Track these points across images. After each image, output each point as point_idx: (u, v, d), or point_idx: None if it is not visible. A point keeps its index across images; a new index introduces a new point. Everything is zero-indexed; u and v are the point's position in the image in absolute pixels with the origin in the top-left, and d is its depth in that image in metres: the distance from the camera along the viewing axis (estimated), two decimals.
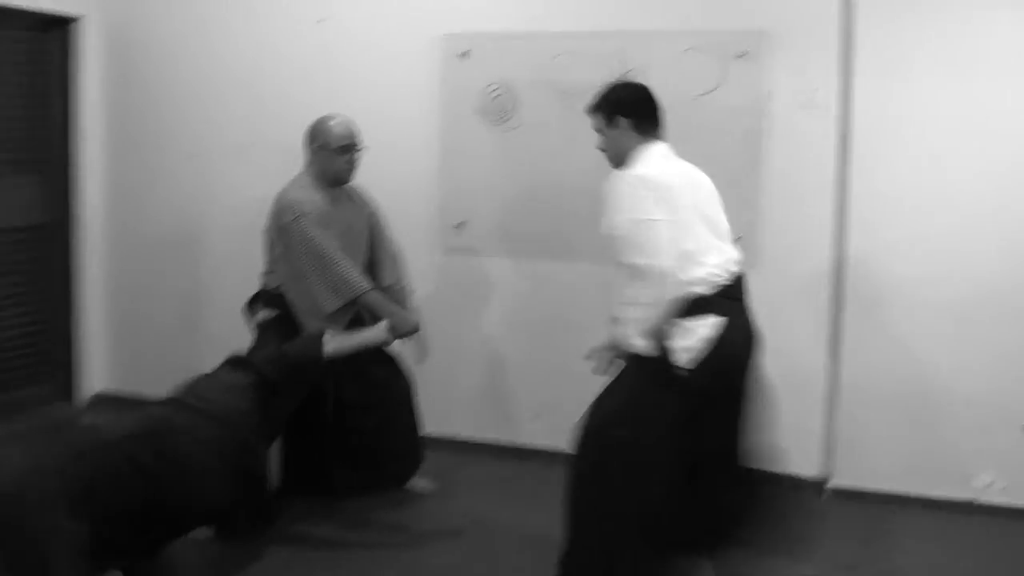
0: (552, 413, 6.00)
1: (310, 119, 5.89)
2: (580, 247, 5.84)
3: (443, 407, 6.11)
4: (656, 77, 5.45)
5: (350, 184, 5.12)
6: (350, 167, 5.05)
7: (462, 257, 6.10)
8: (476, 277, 6.08)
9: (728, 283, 4.02)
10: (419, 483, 5.46)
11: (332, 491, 5.16)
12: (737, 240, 5.38)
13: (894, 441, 5.49)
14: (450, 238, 6.10)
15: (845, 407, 5.55)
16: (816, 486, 5.60)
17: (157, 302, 6.71)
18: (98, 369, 6.88)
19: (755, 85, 5.50)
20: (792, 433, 5.54)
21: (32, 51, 6.40)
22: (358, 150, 5.04)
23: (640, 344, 3.95)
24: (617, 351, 4.20)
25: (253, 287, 5.22)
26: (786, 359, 5.50)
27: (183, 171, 6.58)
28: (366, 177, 5.55)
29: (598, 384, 5.68)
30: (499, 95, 5.90)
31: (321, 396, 4.98)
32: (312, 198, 4.95)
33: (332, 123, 4.98)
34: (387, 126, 6.05)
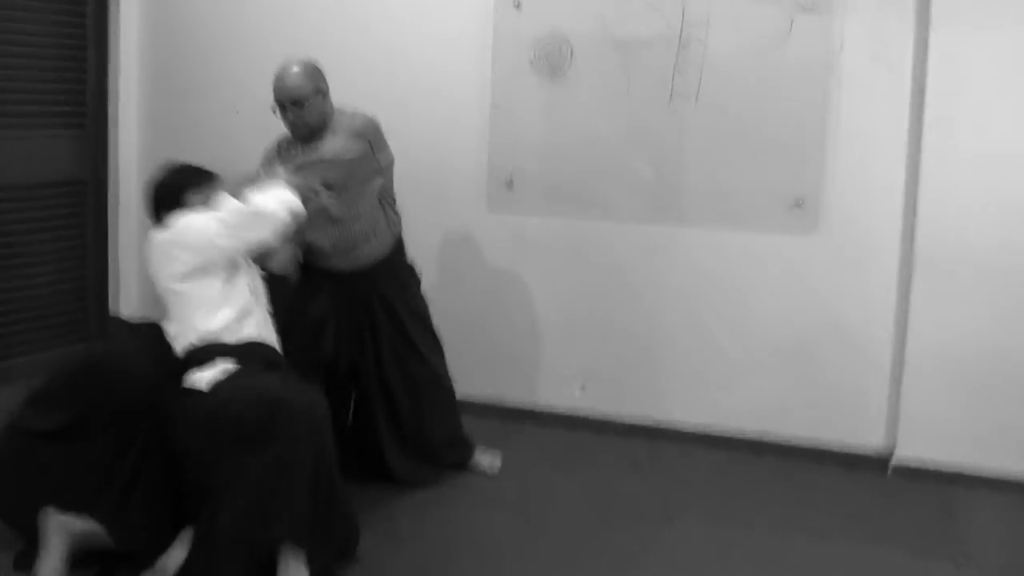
0: (600, 380, 5.80)
1: (361, 71, 5.75)
2: (634, 208, 5.60)
3: (488, 372, 5.93)
4: (718, 30, 5.21)
5: (338, 141, 4.64)
6: (293, 125, 4.63)
7: (510, 216, 5.85)
8: (524, 238, 5.84)
9: None
10: (484, 460, 5.23)
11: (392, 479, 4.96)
12: (799, 203, 5.23)
13: (963, 416, 5.20)
14: (497, 196, 5.85)
15: (912, 380, 5.25)
16: (880, 462, 5.33)
17: None
18: None
19: (824, 38, 5.21)
20: (855, 406, 5.32)
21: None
22: (298, 106, 4.54)
23: None
24: None
25: None
26: (850, 328, 5.25)
27: (226, 126, 6.35)
28: (411, 128, 5.35)
29: (650, 349, 5.56)
30: (553, 47, 5.62)
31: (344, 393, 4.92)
32: (277, 142, 4.81)
33: (275, 77, 4.57)
34: (436, 77, 5.85)
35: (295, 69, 4.55)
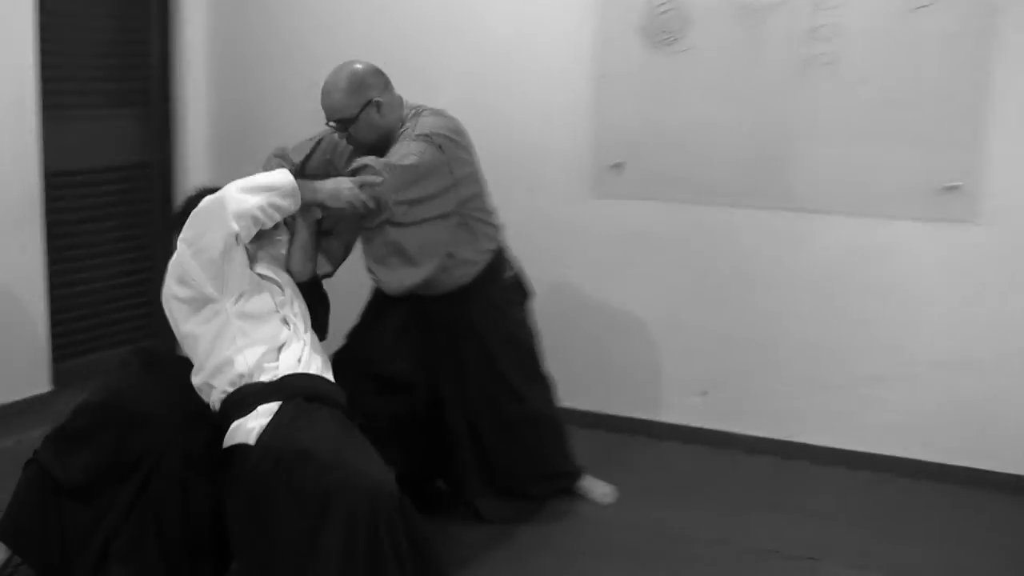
0: (720, 389, 5.25)
1: (448, 41, 5.29)
2: (760, 193, 5.04)
3: (592, 380, 5.40)
4: None
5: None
6: (346, 141, 4.11)
7: (617, 203, 5.29)
8: (633, 227, 5.28)
9: None
10: (596, 488, 4.64)
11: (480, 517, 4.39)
12: (952, 188, 4.57)
13: None
14: (603, 181, 5.29)
15: None
16: None
17: None
18: None
19: None
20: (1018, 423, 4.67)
21: None
22: (345, 127, 3.99)
23: None
24: None
25: None
26: (1015, 334, 4.59)
27: (300, 102, 5.71)
28: (506, 105, 4.85)
29: (777, 354, 5.01)
30: (667, 11, 5.06)
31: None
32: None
33: (321, 92, 4.03)
34: (532, 46, 5.32)
35: (339, 84, 3.96)
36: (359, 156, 4.00)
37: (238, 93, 6.13)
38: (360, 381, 4.07)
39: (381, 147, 4.00)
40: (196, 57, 6.09)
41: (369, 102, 3.96)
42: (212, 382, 3.42)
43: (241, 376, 3.38)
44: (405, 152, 3.88)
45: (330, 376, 3.58)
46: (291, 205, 3.62)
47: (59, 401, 5.17)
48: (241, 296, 3.46)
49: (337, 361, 4.12)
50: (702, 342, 5.24)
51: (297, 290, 3.73)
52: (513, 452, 4.35)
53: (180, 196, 5.89)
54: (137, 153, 5.99)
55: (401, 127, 4.04)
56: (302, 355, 3.50)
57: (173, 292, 3.47)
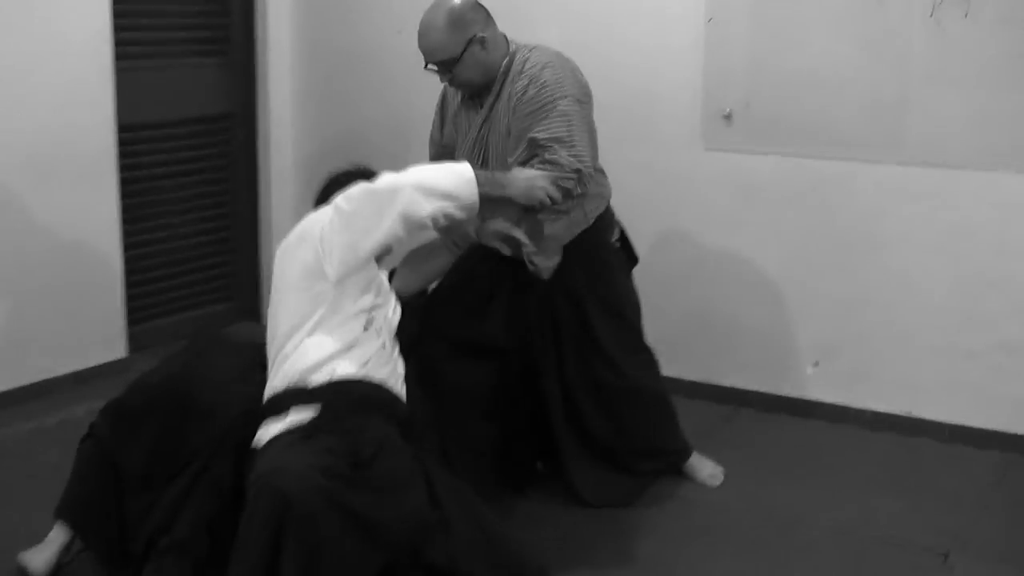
0: (837, 357, 4.86)
1: None
2: (884, 145, 4.63)
3: (701, 347, 5.05)
4: None
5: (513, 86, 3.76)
6: (453, 85, 3.89)
7: (729, 155, 4.92)
8: (747, 181, 4.90)
9: None
10: (703, 469, 4.27)
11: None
12: None
13: None
14: (714, 131, 4.92)
15: None
16: None
17: None
18: None
19: None
20: None
21: None
22: (449, 68, 3.72)
23: None
24: None
25: None
26: None
27: (388, 49, 5.59)
28: (608, 49, 4.56)
29: (902, 321, 4.67)
30: None
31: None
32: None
33: (418, 33, 3.77)
34: None
35: (438, 23, 3.67)
36: (466, 100, 3.87)
37: (325, 37, 5.88)
38: (442, 346, 3.85)
39: (488, 86, 3.77)
40: (281, 1, 5.86)
41: (473, 38, 3.68)
42: (272, 365, 3.18)
43: (298, 371, 3.11)
44: (566, 123, 3.64)
45: (399, 389, 3.28)
46: (465, 216, 3.33)
47: (135, 367, 4.97)
48: (347, 291, 3.17)
49: (419, 328, 3.86)
50: (819, 306, 4.87)
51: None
52: (613, 426, 4.02)
53: (264, 149, 5.92)
54: (218, 104, 5.80)
55: (507, 66, 3.76)
56: (370, 359, 3.19)
57: (294, 249, 3.21)
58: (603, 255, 3.99)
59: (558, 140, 3.59)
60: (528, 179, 3.52)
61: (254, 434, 3.07)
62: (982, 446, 4.56)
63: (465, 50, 3.66)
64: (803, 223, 4.82)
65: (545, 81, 3.67)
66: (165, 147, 5.52)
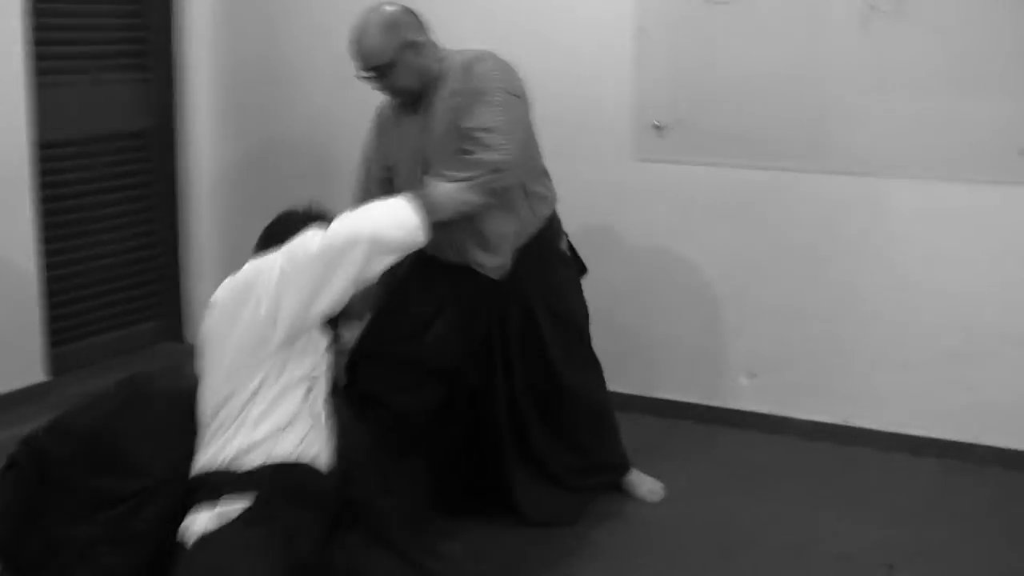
0: (776, 368, 4.86)
1: None
2: (819, 155, 4.63)
3: (637, 360, 5.01)
4: None
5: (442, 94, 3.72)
6: (386, 93, 3.80)
7: (662, 166, 4.90)
8: (680, 193, 4.88)
9: None
10: (642, 484, 4.23)
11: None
12: None
13: None
14: (646, 142, 4.90)
15: None
16: None
17: None
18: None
19: None
20: None
21: None
22: (384, 74, 3.65)
23: None
24: None
25: None
26: None
27: (311, 62, 5.54)
28: (538, 58, 4.45)
29: (839, 332, 4.69)
30: None
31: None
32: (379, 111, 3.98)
33: (350, 39, 3.69)
34: None
35: (372, 28, 3.62)
36: (400, 112, 3.80)
37: (245, 50, 5.77)
38: (385, 373, 3.77)
39: (423, 94, 3.72)
40: (200, 15, 5.76)
41: (407, 43, 3.63)
42: (207, 430, 3.02)
43: (234, 450, 2.95)
44: (493, 113, 3.59)
45: (329, 455, 3.12)
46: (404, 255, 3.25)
47: (56, 391, 4.90)
48: (291, 356, 3.03)
49: (361, 348, 3.81)
50: (755, 317, 4.87)
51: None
52: (560, 441, 3.98)
53: (184, 164, 5.82)
54: (138, 119, 5.69)
55: (441, 71, 3.71)
56: (307, 434, 3.04)
57: (234, 304, 3.02)
58: (555, 263, 3.95)
59: (485, 129, 3.53)
60: (449, 195, 3.43)
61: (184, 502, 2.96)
62: (919, 454, 4.57)
63: (400, 55, 3.61)
64: (739, 234, 4.81)
65: (476, 73, 3.64)
66: (86, 164, 5.40)
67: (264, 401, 2.96)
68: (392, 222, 3.11)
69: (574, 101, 4.93)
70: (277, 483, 2.92)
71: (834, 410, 4.75)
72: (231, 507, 2.87)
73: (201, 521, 2.86)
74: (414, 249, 3.20)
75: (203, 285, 5.86)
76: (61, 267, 5.27)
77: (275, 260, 2.99)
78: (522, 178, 3.67)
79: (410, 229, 3.12)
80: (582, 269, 4.14)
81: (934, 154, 4.43)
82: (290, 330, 2.94)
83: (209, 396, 3.02)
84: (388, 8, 3.66)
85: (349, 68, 3.75)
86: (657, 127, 4.83)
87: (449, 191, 3.43)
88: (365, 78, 3.67)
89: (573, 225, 4.33)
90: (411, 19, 3.68)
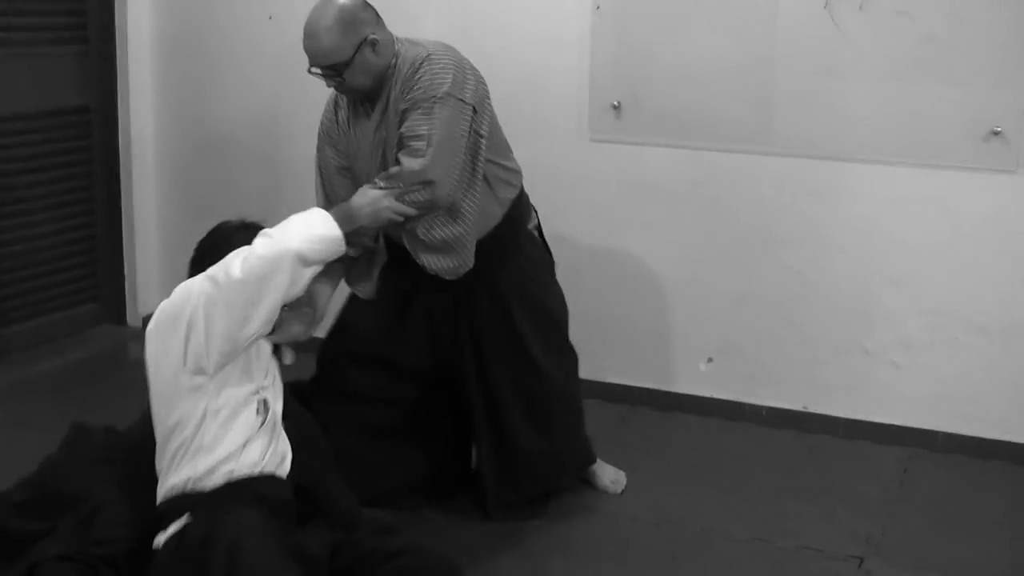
0: (734, 354, 4.80)
1: None
2: (780, 139, 4.55)
3: (594, 345, 4.84)
4: None
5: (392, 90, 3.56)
6: (339, 90, 3.61)
7: (618, 147, 4.81)
8: (637, 174, 4.80)
9: None
10: (605, 475, 4.15)
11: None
12: (998, 134, 4.25)
13: None
14: (602, 122, 4.81)
15: None
16: None
17: (223, 203, 5.33)
18: (152, 285, 5.82)
19: None
20: None
21: None
22: (338, 72, 3.46)
23: None
24: None
25: None
26: None
27: (257, 39, 5.38)
28: (493, 44, 4.41)
29: (799, 317, 4.64)
30: None
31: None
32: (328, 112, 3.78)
33: (303, 34, 3.48)
34: None
35: (327, 23, 3.41)
36: (355, 109, 3.64)
37: (188, 24, 5.61)
38: (353, 372, 3.73)
39: (374, 91, 3.55)
40: None
41: (364, 40, 3.44)
42: (163, 467, 2.99)
43: (189, 479, 2.92)
44: (428, 122, 3.43)
45: (287, 464, 3.09)
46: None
47: None
48: (229, 379, 2.95)
49: (327, 348, 3.77)
50: (714, 302, 4.79)
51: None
52: (540, 435, 3.88)
53: (125, 142, 5.69)
54: (76, 95, 5.58)
55: (395, 66, 3.53)
56: (268, 450, 3.00)
57: (164, 334, 2.92)
58: (526, 248, 3.86)
59: (416, 136, 3.40)
60: (371, 203, 3.33)
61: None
62: (881, 441, 4.54)
63: (356, 53, 3.43)
64: (697, 217, 4.74)
65: (422, 76, 3.46)
66: (21, 140, 5.29)
67: (215, 424, 2.91)
68: (312, 235, 3.01)
69: (528, 81, 4.83)
70: (242, 498, 2.87)
71: (793, 396, 4.70)
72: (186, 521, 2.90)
73: (171, 531, 2.89)
74: (335, 258, 3.10)
75: (145, 265, 5.79)
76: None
77: (202, 285, 2.89)
78: (455, 199, 3.50)
79: (331, 240, 3.03)
80: (549, 257, 4.03)
81: (896, 139, 4.38)
82: (222, 355, 2.87)
83: (158, 425, 2.98)
84: (344, 1, 3.45)
85: (294, 42, 3.59)
86: (615, 107, 4.74)
87: (372, 198, 3.34)
88: (317, 74, 3.49)
89: None
90: (368, 14, 3.50)
